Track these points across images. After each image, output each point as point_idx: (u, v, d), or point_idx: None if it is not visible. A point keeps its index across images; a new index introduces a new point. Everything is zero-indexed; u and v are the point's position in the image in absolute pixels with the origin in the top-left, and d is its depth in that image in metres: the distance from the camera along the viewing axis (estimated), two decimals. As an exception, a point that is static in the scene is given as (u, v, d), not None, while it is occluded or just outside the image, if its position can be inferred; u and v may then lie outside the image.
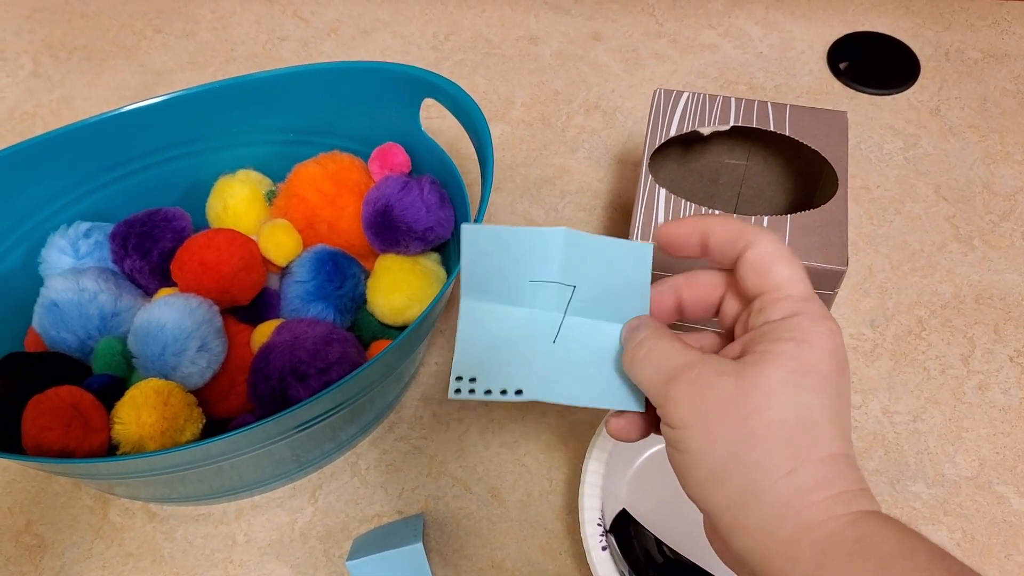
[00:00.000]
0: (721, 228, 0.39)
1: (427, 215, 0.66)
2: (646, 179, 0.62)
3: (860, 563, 0.31)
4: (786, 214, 0.60)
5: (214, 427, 0.64)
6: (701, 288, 0.41)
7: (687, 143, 0.72)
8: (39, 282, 0.67)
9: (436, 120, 0.87)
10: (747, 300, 0.39)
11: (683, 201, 0.61)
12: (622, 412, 0.41)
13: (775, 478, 0.33)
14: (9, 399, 0.59)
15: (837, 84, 0.92)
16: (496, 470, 0.69)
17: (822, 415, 0.34)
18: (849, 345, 0.73)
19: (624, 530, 0.60)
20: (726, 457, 0.34)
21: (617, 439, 0.41)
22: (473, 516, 0.67)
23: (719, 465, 0.34)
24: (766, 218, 0.59)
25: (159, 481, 0.60)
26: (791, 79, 0.92)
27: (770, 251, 0.37)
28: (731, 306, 0.40)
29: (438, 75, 0.67)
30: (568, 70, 0.95)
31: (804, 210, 0.59)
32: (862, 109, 0.89)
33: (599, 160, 0.87)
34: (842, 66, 0.92)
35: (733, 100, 0.66)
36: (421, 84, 0.68)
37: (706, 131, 0.65)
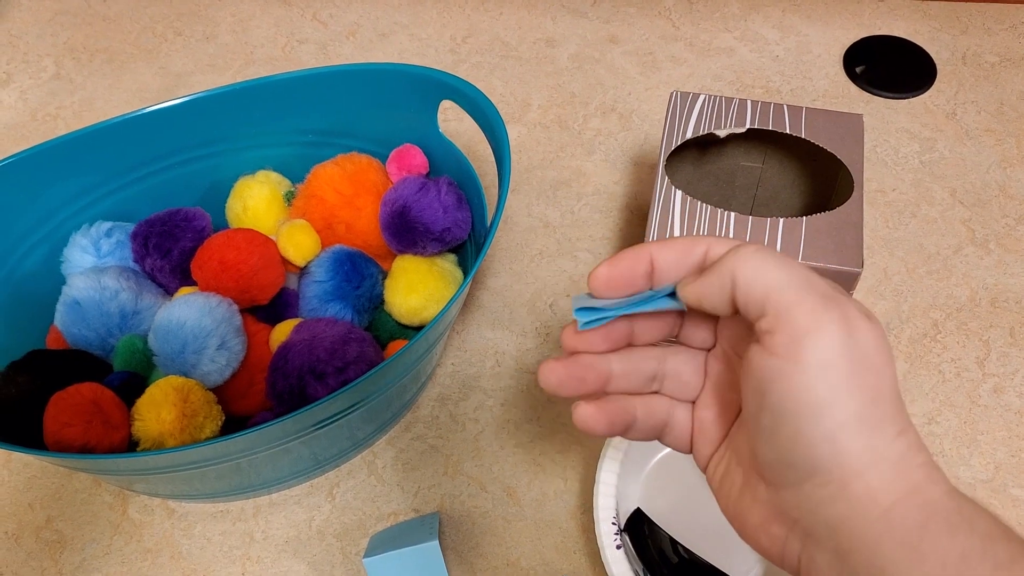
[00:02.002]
0: (666, 246, 0.36)
1: (444, 216, 0.67)
2: (662, 181, 0.63)
3: (964, 537, 0.30)
4: (801, 216, 0.60)
5: (233, 425, 0.65)
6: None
7: (703, 145, 0.72)
8: (61, 280, 0.68)
9: (453, 122, 0.88)
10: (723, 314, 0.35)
11: (699, 203, 0.61)
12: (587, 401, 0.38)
13: (889, 440, 0.32)
14: (31, 395, 0.59)
15: (853, 88, 0.92)
16: (511, 469, 0.69)
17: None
18: (864, 348, 0.73)
19: (639, 529, 0.60)
20: (859, 411, 0.31)
21: (584, 428, 0.39)
22: (488, 515, 0.67)
23: (849, 421, 0.31)
24: (782, 220, 0.59)
25: (178, 478, 0.61)
26: (807, 83, 0.92)
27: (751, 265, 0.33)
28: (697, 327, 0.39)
29: (456, 77, 0.67)
30: (585, 73, 0.95)
31: (819, 212, 0.59)
32: (878, 113, 0.89)
33: (615, 162, 0.87)
34: (858, 70, 0.93)
35: (749, 103, 0.66)
36: (439, 86, 0.68)
37: (722, 133, 0.66)
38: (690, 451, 0.41)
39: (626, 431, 0.40)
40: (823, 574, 0.33)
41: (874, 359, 0.32)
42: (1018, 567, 0.30)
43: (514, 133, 0.90)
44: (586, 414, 0.38)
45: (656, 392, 0.40)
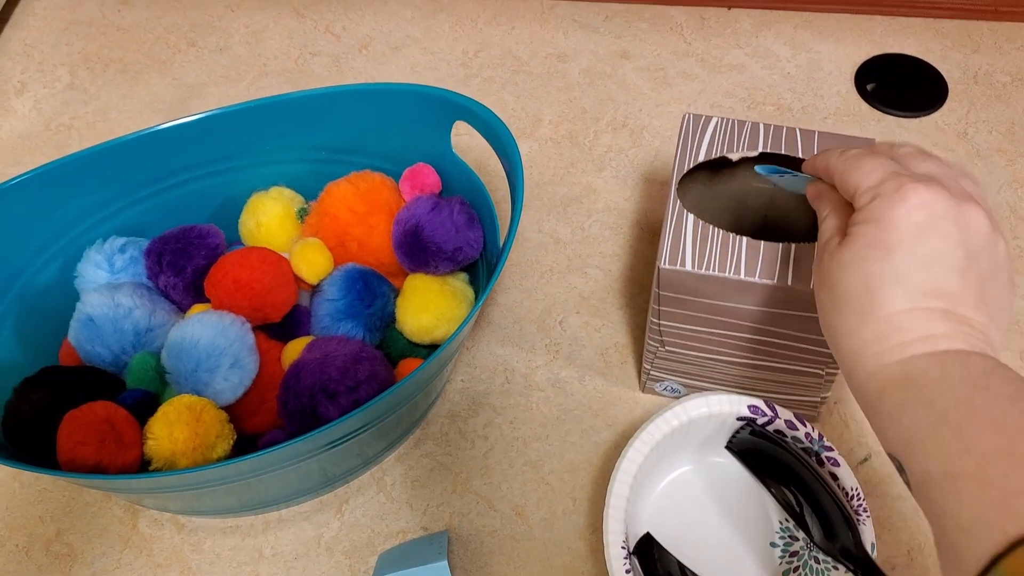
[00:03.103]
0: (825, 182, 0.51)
1: (456, 236, 0.67)
2: (674, 204, 0.63)
3: (913, 406, 0.39)
4: (813, 241, 0.60)
5: (244, 442, 0.65)
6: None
7: (715, 166, 0.72)
8: (75, 295, 0.69)
9: (465, 137, 0.88)
10: None
11: (711, 227, 0.61)
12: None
13: (845, 337, 0.43)
14: (45, 412, 0.60)
15: (864, 106, 0.92)
16: (520, 488, 0.69)
17: (884, 282, 0.41)
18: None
19: (648, 553, 0.60)
20: (824, 321, 0.45)
21: None
22: (497, 534, 0.67)
23: (822, 323, 0.46)
24: (794, 246, 0.59)
25: (188, 495, 0.61)
26: (818, 100, 0.93)
27: (840, 168, 0.47)
28: None
29: (470, 99, 0.68)
30: (596, 88, 0.95)
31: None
32: (889, 131, 0.90)
33: (626, 179, 0.88)
34: (870, 87, 0.93)
35: (762, 126, 0.67)
36: (453, 107, 0.69)
37: (734, 157, 0.66)
38: None
39: None
40: None
41: None
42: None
43: (525, 148, 0.90)
44: None
45: None
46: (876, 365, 0.41)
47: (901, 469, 0.40)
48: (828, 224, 0.48)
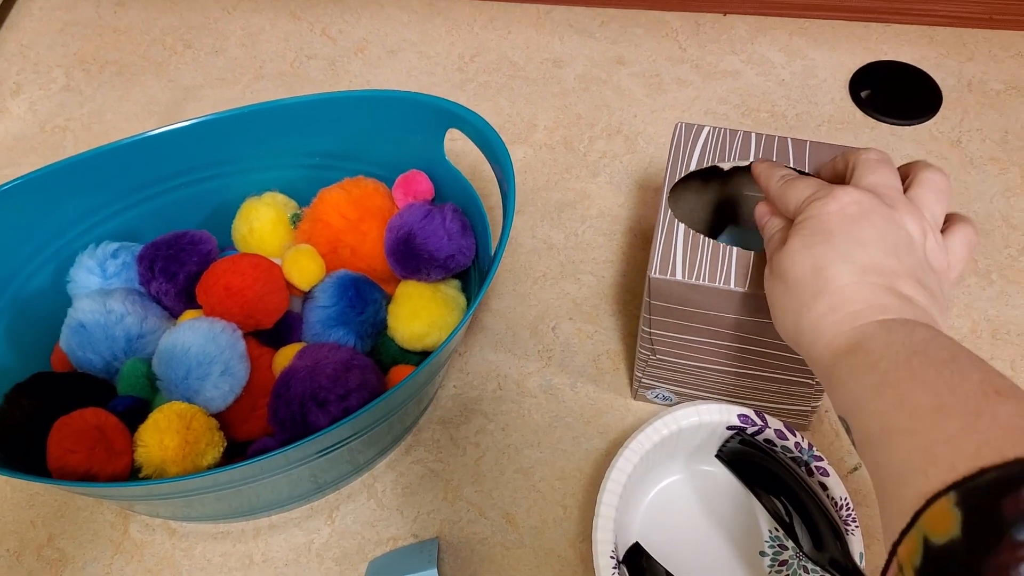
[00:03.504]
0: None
1: (449, 243, 0.67)
2: (665, 213, 0.63)
3: (860, 370, 0.42)
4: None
5: (234, 449, 0.65)
6: None
7: (706, 175, 0.72)
8: (68, 300, 0.69)
9: (460, 142, 0.88)
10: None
11: (701, 237, 0.61)
12: None
13: (804, 316, 0.47)
14: (35, 419, 0.60)
15: (859, 113, 0.92)
16: (511, 495, 0.70)
17: (830, 261, 0.46)
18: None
19: (636, 562, 0.60)
20: (780, 312, 0.49)
21: None
22: (487, 541, 0.68)
23: (777, 318, 0.50)
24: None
25: (178, 502, 0.61)
26: (812, 107, 0.93)
27: (776, 192, 0.54)
28: None
29: (463, 107, 0.68)
30: (591, 94, 0.95)
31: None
32: (883, 139, 0.90)
33: (620, 185, 0.88)
34: (864, 95, 0.93)
35: (754, 135, 0.67)
36: (446, 114, 0.69)
37: (726, 166, 0.66)
38: None
39: None
40: None
41: None
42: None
43: (520, 154, 0.90)
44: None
45: None
46: (832, 334, 0.45)
47: (848, 430, 0.44)
48: (772, 225, 0.54)
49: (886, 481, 0.38)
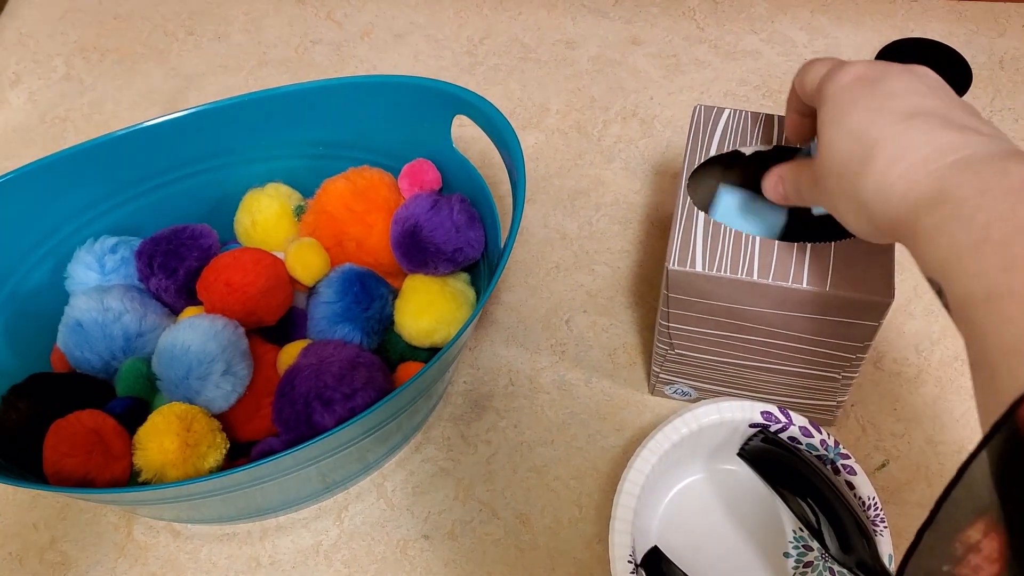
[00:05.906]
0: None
1: (456, 236, 0.64)
2: (684, 200, 0.60)
3: (951, 225, 0.37)
4: (831, 240, 0.58)
5: (238, 450, 0.63)
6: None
7: (727, 160, 0.69)
8: (67, 298, 0.67)
9: (469, 128, 0.86)
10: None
11: (722, 226, 0.58)
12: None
13: (862, 185, 0.42)
14: (32, 422, 0.58)
15: (884, 93, 0.88)
16: (524, 495, 0.67)
17: (869, 122, 0.43)
18: (892, 370, 0.71)
19: (655, 566, 0.58)
20: (832, 193, 0.46)
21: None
22: (501, 543, 0.65)
23: (846, 219, 0.47)
24: (809, 246, 0.56)
25: (182, 505, 0.59)
26: (836, 87, 0.89)
27: (797, 81, 0.53)
28: None
29: (471, 92, 0.65)
30: (605, 76, 0.92)
31: (849, 236, 0.57)
32: (910, 120, 0.86)
33: (636, 171, 0.85)
34: (890, 74, 0.89)
35: (776, 118, 0.64)
36: (453, 100, 0.66)
37: (748, 151, 0.63)
38: None
39: None
40: None
41: None
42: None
43: (531, 140, 0.88)
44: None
45: None
46: (905, 186, 0.40)
47: (940, 293, 0.38)
48: (792, 166, 0.53)
49: (993, 353, 0.33)
